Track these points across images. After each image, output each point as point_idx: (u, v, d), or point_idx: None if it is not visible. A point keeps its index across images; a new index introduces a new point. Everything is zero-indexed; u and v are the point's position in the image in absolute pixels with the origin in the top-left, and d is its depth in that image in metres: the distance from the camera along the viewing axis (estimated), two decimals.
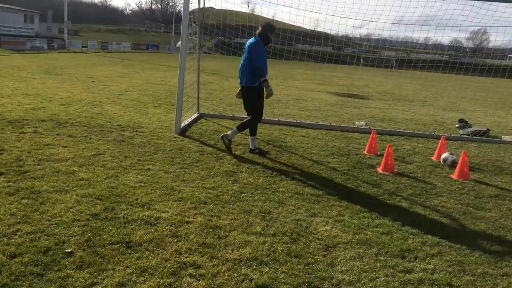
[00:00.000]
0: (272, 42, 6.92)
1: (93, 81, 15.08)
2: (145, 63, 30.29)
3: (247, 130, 6.90)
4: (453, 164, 7.02)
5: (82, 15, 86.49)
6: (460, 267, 3.68)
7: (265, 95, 6.66)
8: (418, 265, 3.64)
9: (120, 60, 31.39)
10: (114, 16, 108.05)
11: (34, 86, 12.42)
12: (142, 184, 4.95)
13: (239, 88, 6.95)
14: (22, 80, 13.57)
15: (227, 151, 6.77)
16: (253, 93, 6.69)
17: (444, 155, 7.27)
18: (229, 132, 6.84)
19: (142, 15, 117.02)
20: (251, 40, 6.67)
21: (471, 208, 5.20)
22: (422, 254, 3.85)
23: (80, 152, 5.98)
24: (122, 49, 55.00)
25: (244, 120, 6.88)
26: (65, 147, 6.16)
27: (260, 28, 6.76)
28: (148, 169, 5.53)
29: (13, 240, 3.40)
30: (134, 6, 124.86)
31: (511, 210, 5.25)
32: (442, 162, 7.24)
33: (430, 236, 4.25)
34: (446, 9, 8.72)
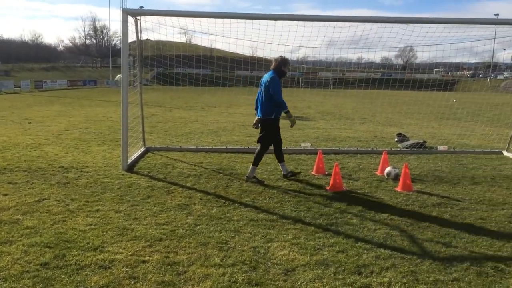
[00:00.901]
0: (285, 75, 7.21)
1: (29, 123, 14.48)
2: (84, 100, 29.50)
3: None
4: (396, 177, 7.35)
5: (13, 54, 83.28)
6: (413, 277, 3.84)
7: (290, 125, 7.31)
8: (375, 280, 3.76)
9: (56, 99, 30.37)
10: (47, 53, 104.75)
11: None
12: (93, 226, 4.79)
13: (256, 119, 7.35)
14: None
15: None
16: (270, 124, 7.12)
17: (387, 169, 7.60)
18: (248, 173, 7.17)
19: (76, 51, 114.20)
20: (267, 76, 7.00)
21: (417, 219, 5.45)
22: (377, 268, 3.99)
23: (23, 199, 5.71)
24: (58, 86, 53.20)
25: (256, 153, 7.21)
26: (6, 195, 5.86)
27: (274, 62, 7.11)
28: (97, 210, 5.37)
29: None
30: (67, 42, 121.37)
31: (454, 217, 5.56)
32: (386, 176, 7.56)
33: (383, 250, 4.41)
34: (376, 32, 9.21)
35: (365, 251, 4.36)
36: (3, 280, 3.51)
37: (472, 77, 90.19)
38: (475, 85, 75.73)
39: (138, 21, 8.56)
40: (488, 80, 79.85)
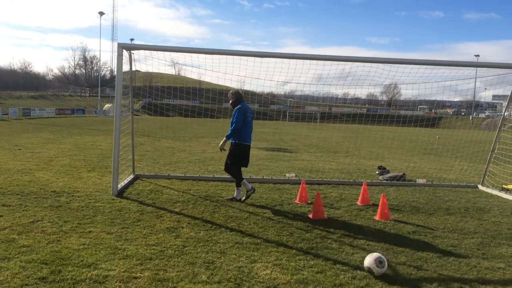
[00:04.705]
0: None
1: (19, 149, 14.67)
2: (72, 128, 29.69)
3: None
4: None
5: (1, 82, 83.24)
6: None
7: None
8: None
9: (45, 126, 30.51)
10: (36, 82, 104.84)
11: None
12: (86, 246, 5.05)
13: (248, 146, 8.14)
14: None
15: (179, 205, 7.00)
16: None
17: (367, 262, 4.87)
18: (235, 195, 8.05)
19: (65, 80, 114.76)
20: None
21: (393, 245, 5.81)
22: (352, 286, 4.31)
23: (17, 220, 5.95)
24: (46, 114, 53.29)
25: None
26: (0, 216, 6.09)
27: (238, 95, 8.13)
28: (90, 231, 5.63)
29: None
30: (56, 71, 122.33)
31: (427, 244, 5.93)
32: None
33: (359, 271, 4.73)
34: (363, 69, 9.63)
35: (342, 272, 4.69)
36: None
37: (455, 115, 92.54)
38: (459, 122, 77.58)
39: (132, 54, 9.01)
40: (471, 118, 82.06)
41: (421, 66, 9.33)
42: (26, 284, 3.91)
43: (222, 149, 8.09)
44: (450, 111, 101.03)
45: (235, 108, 7.90)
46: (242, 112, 7.82)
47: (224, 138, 7.87)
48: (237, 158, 7.93)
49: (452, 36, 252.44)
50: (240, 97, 8.07)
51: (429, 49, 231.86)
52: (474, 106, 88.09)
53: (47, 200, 7.24)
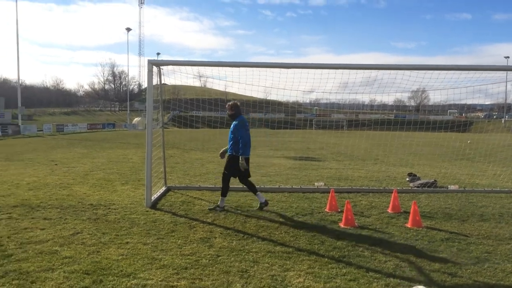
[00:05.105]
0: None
1: (56, 164, 15.21)
2: (104, 142, 30.48)
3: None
4: None
5: (35, 99, 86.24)
6: None
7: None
8: None
9: (78, 141, 31.44)
10: (67, 98, 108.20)
11: None
12: (124, 256, 5.25)
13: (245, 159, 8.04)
14: None
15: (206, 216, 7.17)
16: None
17: None
18: (219, 203, 8.12)
19: (95, 96, 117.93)
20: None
21: (426, 252, 5.79)
22: None
23: (59, 232, 6.22)
24: (78, 130, 54.91)
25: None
26: (43, 229, 6.38)
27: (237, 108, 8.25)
28: (127, 242, 5.83)
29: None
30: (87, 87, 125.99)
31: (461, 251, 5.88)
32: None
33: (392, 279, 4.76)
34: (389, 75, 9.50)
35: (375, 280, 4.72)
36: None
37: (486, 118, 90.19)
38: (491, 126, 75.57)
39: (161, 70, 9.29)
40: (503, 121, 79.86)
41: (449, 71, 9.24)
42: None
43: (244, 167, 8.03)
44: (481, 114, 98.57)
45: (234, 123, 8.07)
46: (242, 127, 8.02)
47: (240, 157, 7.89)
48: (234, 169, 8.08)
49: (481, 38, 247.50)
50: (239, 110, 8.25)
51: (457, 52, 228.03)
52: (506, 109, 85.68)
53: (85, 213, 7.53)
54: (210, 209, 8.01)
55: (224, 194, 8.15)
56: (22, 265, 4.85)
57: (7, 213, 7.32)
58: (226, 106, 8.30)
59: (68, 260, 5.05)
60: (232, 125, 8.10)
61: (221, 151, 8.54)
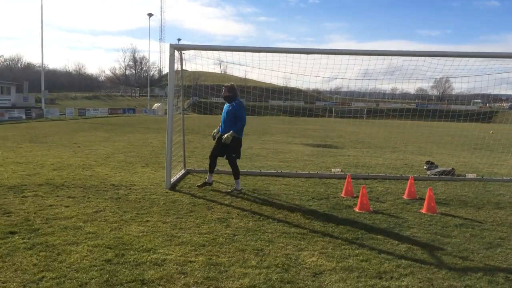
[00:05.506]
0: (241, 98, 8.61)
1: (78, 146, 15.61)
2: (124, 127, 30.98)
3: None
4: None
5: (58, 83, 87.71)
6: (429, 282, 4.30)
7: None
8: (394, 283, 4.24)
9: (99, 125, 32.02)
10: (89, 83, 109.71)
11: (22, 154, 12.88)
12: (145, 233, 5.48)
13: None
14: (9, 150, 14.01)
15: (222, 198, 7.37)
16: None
17: None
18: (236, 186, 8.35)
19: (117, 81, 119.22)
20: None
21: (439, 236, 5.87)
22: (396, 274, 4.46)
23: (82, 210, 6.49)
24: (100, 114, 55.82)
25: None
26: (67, 206, 6.66)
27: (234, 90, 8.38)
28: (147, 220, 6.06)
29: (41, 285, 3.87)
30: (108, 72, 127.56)
31: (474, 236, 5.94)
32: None
33: (403, 260, 4.87)
34: (411, 63, 9.31)
35: (387, 261, 4.84)
36: (75, 271, 4.20)
37: (511, 109, 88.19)
38: None
39: (183, 54, 9.44)
40: None
41: (474, 58, 9.04)
42: (94, 265, 4.35)
43: (227, 142, 8.22)
44: (506, 104, 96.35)
45: (236, 103, 8.17)
46: (243, 107, 8.23)
47: (231, 132, 8.07)
48: (239, 151, 8.40)
49: (509, 26, 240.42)
50: (236, 92, 8.37)
51: (484, 41, 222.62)
52: None
53: (107, 192, 7.79)
54: (227, 193, 8.19)
55: (237, 177, 8.32)
56: (48, 238, 5.11)
57: (33, 191, 7.64)
58: (223, 88, 8.40)
59: (91, 235, 5.29)
60: (232, 106, 8.16)
61: (214, 133, 8.68)
